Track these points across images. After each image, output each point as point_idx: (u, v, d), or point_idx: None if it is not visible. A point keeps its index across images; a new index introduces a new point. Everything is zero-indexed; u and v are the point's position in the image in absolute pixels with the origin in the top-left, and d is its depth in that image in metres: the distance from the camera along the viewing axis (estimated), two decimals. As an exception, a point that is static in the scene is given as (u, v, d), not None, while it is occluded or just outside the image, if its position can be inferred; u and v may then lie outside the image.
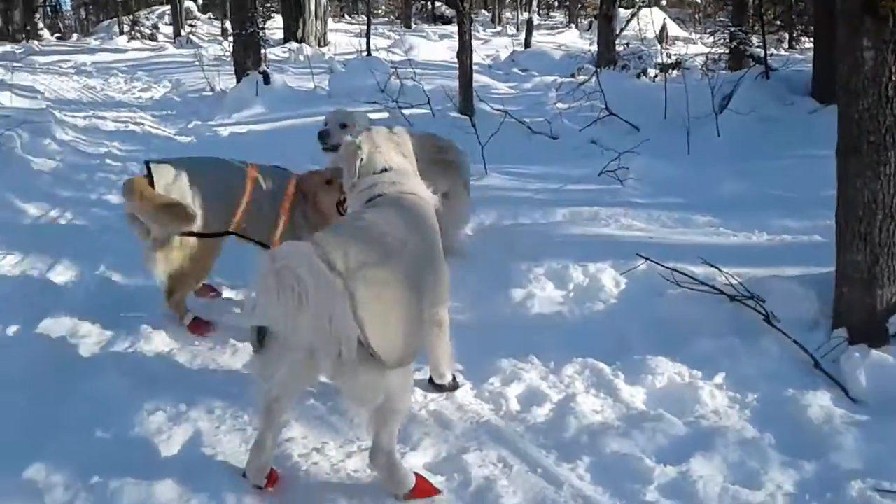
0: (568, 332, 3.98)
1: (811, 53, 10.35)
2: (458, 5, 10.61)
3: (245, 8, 13.04)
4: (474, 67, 10.59)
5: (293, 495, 2.79)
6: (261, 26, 13.92)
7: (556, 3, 37.21)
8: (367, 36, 16.96)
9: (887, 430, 2.92)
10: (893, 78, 3.26)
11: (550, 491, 2.74)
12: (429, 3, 33.66)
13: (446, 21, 29.05)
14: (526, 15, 24.82)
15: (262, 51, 13.78)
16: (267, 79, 12.40)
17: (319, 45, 20.11)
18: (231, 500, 2.75)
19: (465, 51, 10.43)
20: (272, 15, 22.23)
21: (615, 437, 3.01)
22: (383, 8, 44.07)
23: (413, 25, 29.48)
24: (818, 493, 2.65)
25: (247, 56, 13.04)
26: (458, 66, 10.45)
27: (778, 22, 16.88)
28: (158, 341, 3.99)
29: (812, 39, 12.06)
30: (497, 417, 3.29)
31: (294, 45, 19.05)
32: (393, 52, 18.25)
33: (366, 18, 19.74)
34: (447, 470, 2.89)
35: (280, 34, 20.67)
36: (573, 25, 28.35)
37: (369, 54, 16.17)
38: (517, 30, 26.80)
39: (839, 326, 3.46)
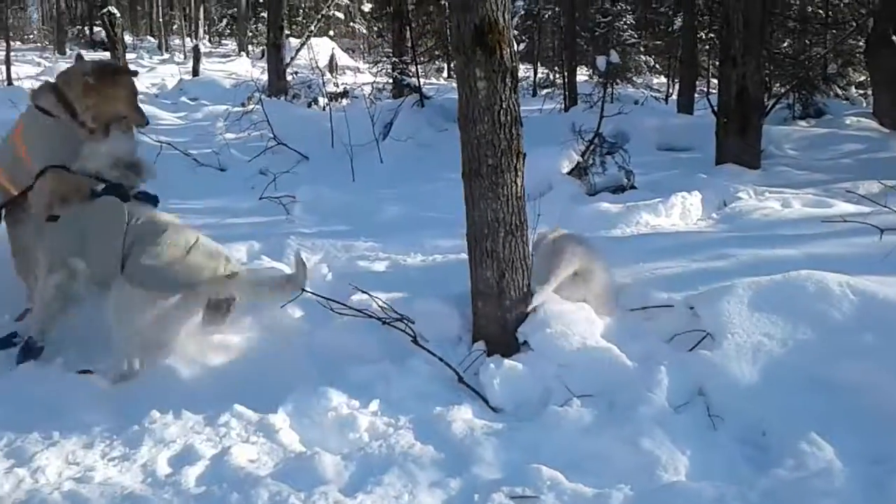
0: (224, 376, 3.78)
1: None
2: (109, 31, 9.91)
3: None
4: (139, 97, 9.91)
5: None
6: None
7: (228, 31, 36.52)
8: (7, 63, 15.14)
9: (520, 435, 3.14)
10: (504, 105, 3.53)
11: (200, 557, 2.52)
12: (86, 29, 31.14)
13: (107, 47, 27.06)
14: (194, 42, 23.94)
15: None
16: None
17: (-51, 74, 17.50)
18: None
19: (118, 80, 9.72)
20: None
21: (269, 486, 2.87)
22: (35, 33, 39.94)
23: (69, 51, 27.03)
24: (462, 509, 2.75)
25: None
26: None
27: (436, 52, 18.21)
28: None
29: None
30: (144, 486, 2.97)
31: (-86, 73, 16.35)
32: (42, 81, 16.47)
33: (6, 44, 17.59)
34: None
35: None
36: (244, 54, 28.02)
37: (10, 84, 14.43)
38: (185, 57, 25.82)
39: (478, 340, 3.69)
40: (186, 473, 3.02)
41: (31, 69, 19.53)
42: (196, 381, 3.79)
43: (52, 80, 4.25)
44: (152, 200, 3.98)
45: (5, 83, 15.04)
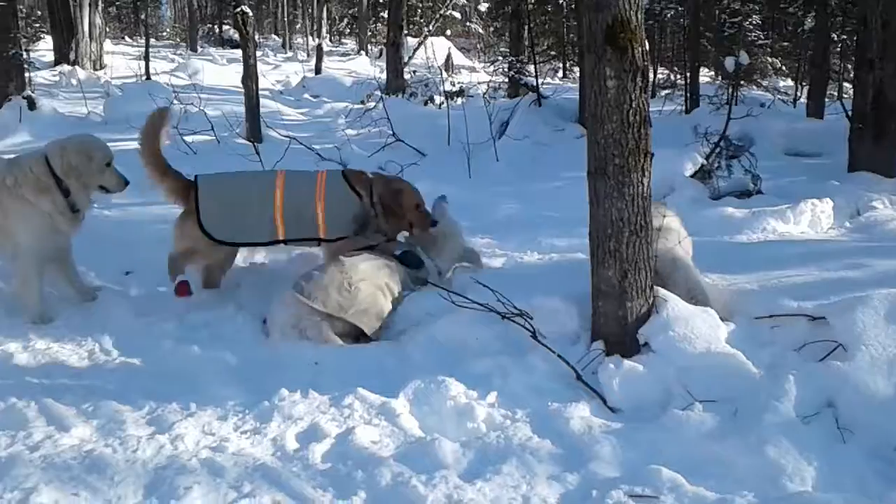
0: (348, 361, 3.94)
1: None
2: (242, 30, 10.38)
3: (7, 28, 11.89)
4: (264, 93, 10.39)
5: None
6: (26, 48, 12.76)
7: (348, 31, 37.52)
8: (146, 59, 16.13)
9: (640, 436, 3.13)
10: (633, 105, 3.51)
11: (325, 530, 2.66)
12: (216, 27, 32.70)
13: (235, 45, 28.36)
14: (316, 41, 24.75)
15: (27, 74, 12.63)
16: (32, 104, 11.41)
17: (95, 69, 18.79)
18: None
19: (249, 76, 10.22)
20: (41, 36, 20.55)
21: (391, 467, 2.99)
22: (168, 31, 42.17)
23: (200, 49, 28.51)
24: None
25: (8, 80, 11.90)
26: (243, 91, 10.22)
27: (552, 52, 18.13)
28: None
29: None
30: (274, 459, 3.15)
31: (66, 67, 17.63)
32: (176, 76, 17.45)
33: (145, 40, 18.77)
34: (216, 519, 2.72)
35: (51, 56, 19.11)
36: (364, 52, 28.73)
37: (148, 78, 15.38)
38: (308, 55, 26.73)
39: (597, 339, 3.69)
40: (313, 450, 3.18)
41: (167, 65, 20.73)
42: (322, 363, 3.97)
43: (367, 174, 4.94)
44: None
45: (144, 77, 16.05)
